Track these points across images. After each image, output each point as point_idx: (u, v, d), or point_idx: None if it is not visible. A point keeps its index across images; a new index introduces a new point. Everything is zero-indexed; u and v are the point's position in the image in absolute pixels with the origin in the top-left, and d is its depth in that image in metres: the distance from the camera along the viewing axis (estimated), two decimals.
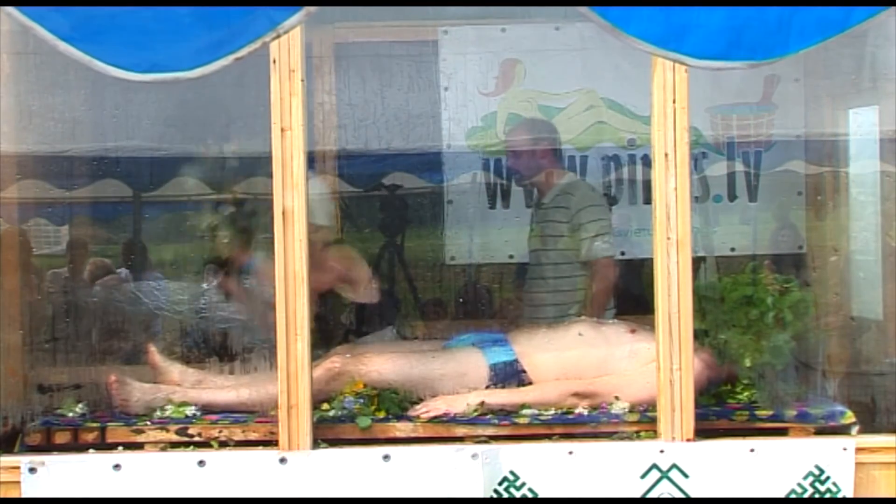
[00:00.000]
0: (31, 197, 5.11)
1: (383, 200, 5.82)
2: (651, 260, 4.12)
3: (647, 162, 4.93)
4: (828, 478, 4.04)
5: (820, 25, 3.30)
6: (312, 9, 3.30)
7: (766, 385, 4.40)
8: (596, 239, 5.14)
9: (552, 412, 4.30)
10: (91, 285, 5.61)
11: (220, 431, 4.21)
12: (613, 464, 4.05)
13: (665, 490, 4.04)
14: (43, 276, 5.47)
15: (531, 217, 5.47)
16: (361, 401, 4.28)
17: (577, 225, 5.17)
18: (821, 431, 4.22)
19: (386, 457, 4.03)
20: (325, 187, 5.13)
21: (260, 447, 4.12)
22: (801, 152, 5.53)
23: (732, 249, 5.53)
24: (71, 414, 4.33)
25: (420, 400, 4.35)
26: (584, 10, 3.29)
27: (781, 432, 4.23)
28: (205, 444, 4.18)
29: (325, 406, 4.28)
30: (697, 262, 4.56)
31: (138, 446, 4.18)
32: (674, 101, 4.04)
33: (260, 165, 4.37)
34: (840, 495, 4.04)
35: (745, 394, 4.47)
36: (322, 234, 4.77)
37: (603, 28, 3.27)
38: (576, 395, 4.36)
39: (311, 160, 4.32)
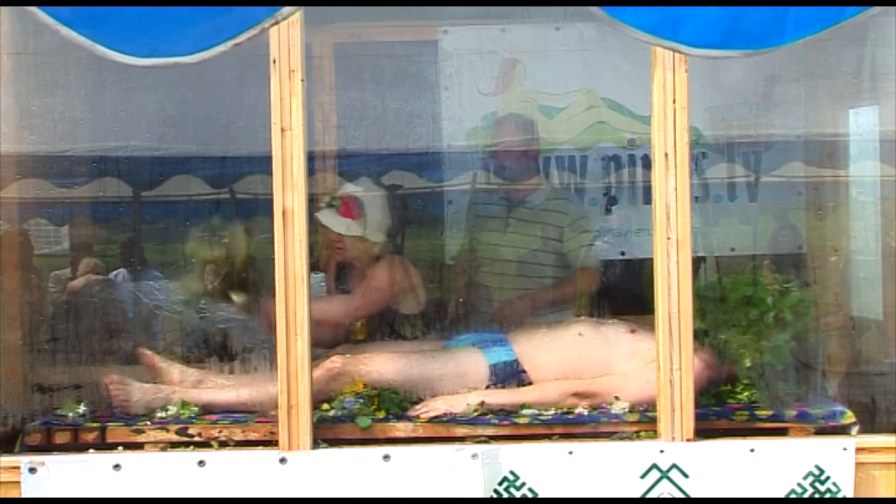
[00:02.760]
0: (31, 197, 5.11)
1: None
2: (651, 260, 4.12)
3: (647, 162, 4.92)
4: (828, 478, 4.04)
5: (816, 16, 3.33)
6: None
7: (766, 385, 4.40)
8: (591, 248, 5.28)
9: (552, 412, 4.30)
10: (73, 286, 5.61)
11: (220, 431, 4.21)
12: (613, 464, 4.05)
13: (665, 490, 4.04)
14: (43, 276, 5.46)
15: (504, 215, 5.33)
16: (361, 401, 4.28)
17: (576, 231, 5.23)
18: (821, 431, 4.22)
19: (386, 457, 4.03)
20: (384, 199, 4.95)
21: (260, 447, 4.12)
22: (800, 152, 5.52)
23: (732, 249, 5.52)
24: (71, 414, 4.33)
25: (420, 400, 4.35)
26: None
27: (781, 432, 4.22)
28: (205, 444, 4.18)
29: (325, 406, 4.28)
30: (697, 262, 4.55)
31: (138, 446, 4.18)
32: (674, 101, 4.04)
33: (260, 165, 4.36)
34: (840, 495, 4.04)
35: (745, 394, 4.47)
36: (374, 250, 4.75)
37: (600, 18, 3.29)
38: (576, 395, 4.36)
39: (311, 160, 4.30)
